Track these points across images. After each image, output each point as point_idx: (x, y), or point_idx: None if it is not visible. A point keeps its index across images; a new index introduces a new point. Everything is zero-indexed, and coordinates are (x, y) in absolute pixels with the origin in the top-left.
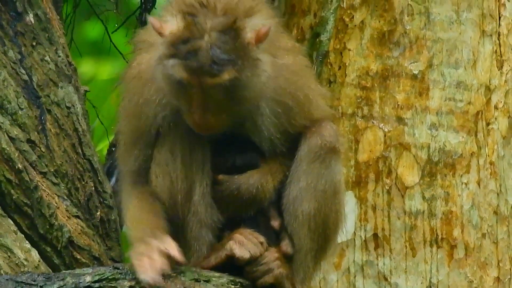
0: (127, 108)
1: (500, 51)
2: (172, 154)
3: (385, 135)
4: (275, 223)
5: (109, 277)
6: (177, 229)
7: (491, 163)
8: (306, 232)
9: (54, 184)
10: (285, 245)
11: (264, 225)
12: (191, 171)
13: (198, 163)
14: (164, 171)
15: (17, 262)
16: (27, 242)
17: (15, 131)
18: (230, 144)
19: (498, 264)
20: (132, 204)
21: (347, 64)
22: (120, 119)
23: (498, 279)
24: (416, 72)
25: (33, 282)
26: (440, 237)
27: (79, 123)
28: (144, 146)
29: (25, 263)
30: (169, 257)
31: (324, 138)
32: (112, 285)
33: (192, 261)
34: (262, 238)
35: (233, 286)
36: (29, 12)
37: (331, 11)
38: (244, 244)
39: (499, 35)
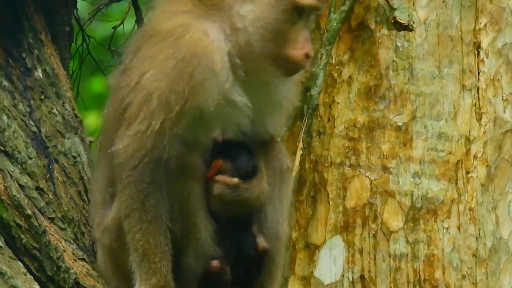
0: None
1: (479, 104)
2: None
3: (371, 183)
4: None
5: None
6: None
7: (471, 209)
8: (283, 251)
9: (61, 229)
10: (262, 242)
11: (247, 233)
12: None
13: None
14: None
15: None
16: (36, 283)
17: (25, 179)
18: (235, 148)
19: None
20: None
21: (335, 117)
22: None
23: None
24: (400, 124)
25: None
26: (423, 278)
27: (85, 171)
28: (182, 129)
29: None
30: None
31: (284, 160)
32: None
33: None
34: None
35: None
36: (37, 68)
37: (321, 67)
38: None
39: (478, 89)
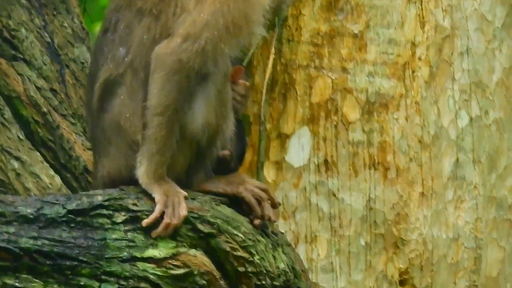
0: None
1: (423, 14)
2: (219, 91)
3: (332, 82)
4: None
5: (116, 197)
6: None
7: (416, 103)
8: None
9: (72, 124)
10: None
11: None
12: (227, 107)
13: (230, 101)
14: (213, 104)
15: (43, 186)
16: (51, 170)
17: (41, 82)
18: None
19: (423, 182)
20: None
21: (302, 26)
22: None
23: (422, 194)
24: (356, 32)
25: (56, 201)
26: (377, 161)
27: None
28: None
29: (50, 186)
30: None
31: None
32: (119, 203)
33: (194, 182)
34: (264, 186)
35: (214, 202)
36: None
37: None
38: (254, 193)
39: (421, 1)
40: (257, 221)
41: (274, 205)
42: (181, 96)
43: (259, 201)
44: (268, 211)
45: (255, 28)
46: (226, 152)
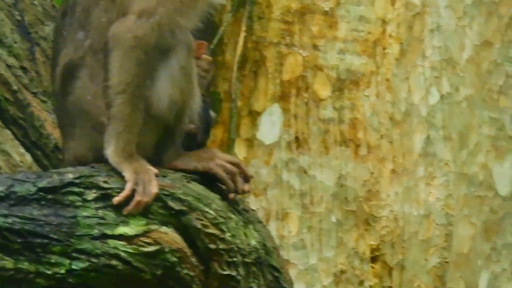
0: None
1: None
2: (182, 67)
3: (303, 59)
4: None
5: (87, 175)
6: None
7: (387, 80)
8: None
9: (43, 101)
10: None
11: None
12: (192, 83)
13: (195, 76)
14: (177, 78)
15: (14, 163)
16: (22, 148)
17: (11, 60)
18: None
19: (393, 159)
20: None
21: (272, 4)
22: None
23: (393, 170)
24: (327, 9)
25: (26, 179)
26: (348, 138)
27: None
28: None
29: (21, 164)
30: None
31: None
32: (89, 180)
33: (164, 159)
34: (235, 160)
35: (185, 179)
36: None
37: None
38: (225, 168)
39: None
40: (231, 195)
41: (247, 178)
42: (142, 73)
43: (232, 175)
44: (242, 185)
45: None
46: (192, 126)
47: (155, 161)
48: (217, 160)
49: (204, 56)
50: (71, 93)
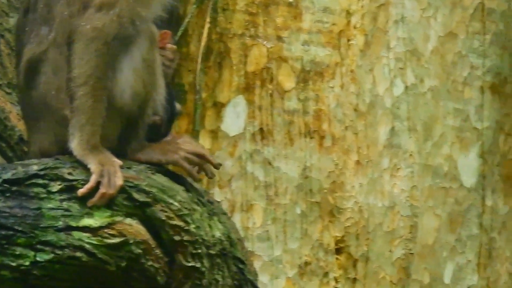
0: None
1: None
2: (144, 58)
3: (268, 51)
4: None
5: (52, 166)
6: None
7: (352, 71)
8: None
9: (7, 93)
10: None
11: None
12: (155, 74)
13: (159, 67)
14: (140, 69)
15: None
16: None
17: None
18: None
19: (358, 150)
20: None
21: None
22: None
23: (358, 162)
24: (291, 0)
25: None
26: (312, 130)
27: None
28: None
29: None
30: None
31: None
32: (54, 172)
33: (128, 152)
34: (200, 151)
35: (149, 171)
36: None
37: None
38: (190, 160)
39: None
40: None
41: (215, 167)
42: (103, 64)
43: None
44: (211, 174)
45: None
46: (156, 118)
47: (119, 152)
48: (181, 153)
49: (169, 45)
50: (35, 87)
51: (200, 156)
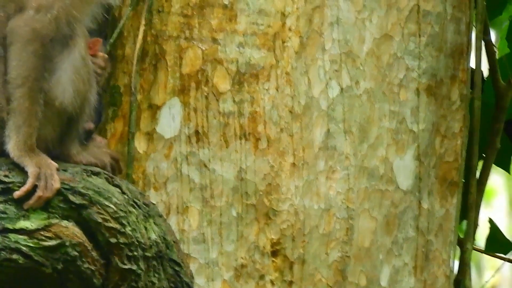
0: None
1: None
2: (83, 58)
3: (203, 53)
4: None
5: None
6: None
7: (287, 73)
8: None
9: None
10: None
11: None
12: (91, 74)
13: (92, 70)
14: (77, 71)
15: None
16: None
17: None
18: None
19: (294, 152)
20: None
21: None
22: None
23: (294, 164)
24: (226, 2)
25: None
26: (247, 132)
27: None
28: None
29: None
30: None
31: None
32: None
33: (64, 152)
34: (116, 155)
35: (85, 173)
36: None
37: None
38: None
39: None
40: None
41: (120, 171)
42: (40, 66)
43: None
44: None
45: None
46: (91, 126)
47: (55, 154)
48: (108, 157)
49: (100, 53)
50: None
51: (116, 161)
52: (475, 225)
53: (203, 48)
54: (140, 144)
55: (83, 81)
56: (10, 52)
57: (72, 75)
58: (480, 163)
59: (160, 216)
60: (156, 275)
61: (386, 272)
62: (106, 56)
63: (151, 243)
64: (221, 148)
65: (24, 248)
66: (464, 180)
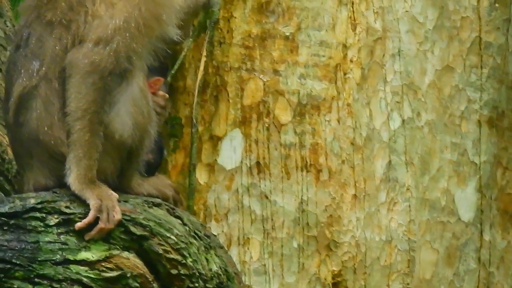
0: None
1: (354, 16)
2: (141, 91)
3: (264, 84)
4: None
5: (49, 200)
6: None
7: (348, 105)
8: None
9: (5, 126)
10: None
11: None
12: (150, 107)
13: (151, 103)
14: (136, 104)
15: None
16: None
17: None
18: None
19: (355, 184)
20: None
21: (233, 29)
22: None
23: (355, 196)
24: (288, 34)
25: None
26: (309, 163)
27: None
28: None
29: None
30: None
31: None
32: (52, 205)
33: (124, 184)
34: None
35: (146, 205)
36: None
37: None
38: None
39: (352, 3)
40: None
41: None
42: (99, 98)
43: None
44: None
45: (167, 28)
46: (150, 156)
47: (116, 185)
48: (171, 190)
49: (161, 92)
50: (25, 123)
51: (177, 192)
52: None
53: (265, 80)
54: (201, 176)
55: (142, 114)
56: (69, 85)
57: (131, 108)
58: None
59: (221, 247)
60: None
61: None
62: (167, 95)
63: (212, 275)
64: (282, 180)
65: (85, 279)
66: None
